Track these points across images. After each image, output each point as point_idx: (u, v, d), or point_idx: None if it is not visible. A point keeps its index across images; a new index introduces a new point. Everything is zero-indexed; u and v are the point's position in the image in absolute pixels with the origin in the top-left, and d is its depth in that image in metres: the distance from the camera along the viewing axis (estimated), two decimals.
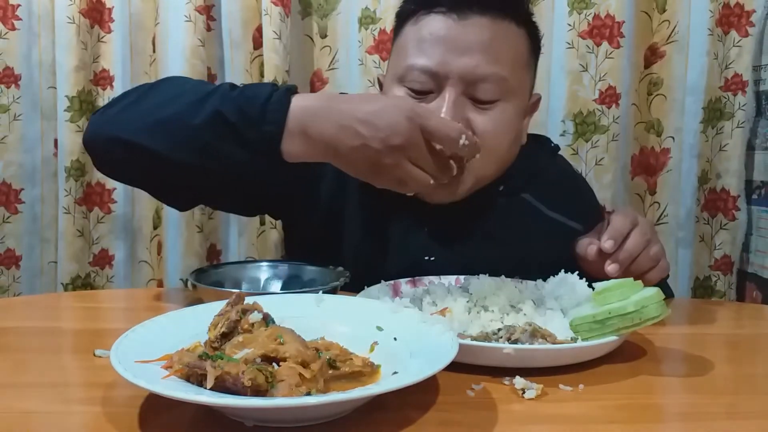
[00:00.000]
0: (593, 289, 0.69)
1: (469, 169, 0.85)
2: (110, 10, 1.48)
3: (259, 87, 0.76)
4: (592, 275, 0.78)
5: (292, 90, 0.75)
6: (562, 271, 0.78)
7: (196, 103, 0.75)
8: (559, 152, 1.08)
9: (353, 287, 0.82)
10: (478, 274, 0.82)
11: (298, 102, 0.73)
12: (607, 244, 0.80)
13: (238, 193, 0.91)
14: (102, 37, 1.50)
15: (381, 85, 0.99)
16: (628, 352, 0.69)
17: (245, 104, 0.73)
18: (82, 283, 1.51)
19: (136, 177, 0.88)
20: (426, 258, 0.93)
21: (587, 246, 0.84)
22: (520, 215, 0.98)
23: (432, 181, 0.74)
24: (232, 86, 0.78)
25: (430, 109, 0.83)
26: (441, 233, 0.95)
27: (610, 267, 0.80)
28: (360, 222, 0.97)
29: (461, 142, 0.72)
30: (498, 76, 0.86)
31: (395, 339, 0.60)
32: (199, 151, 0.75)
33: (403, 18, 0.92)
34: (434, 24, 0.86)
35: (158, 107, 0.78)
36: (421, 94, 0.87)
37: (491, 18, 0.86)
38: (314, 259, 0.92)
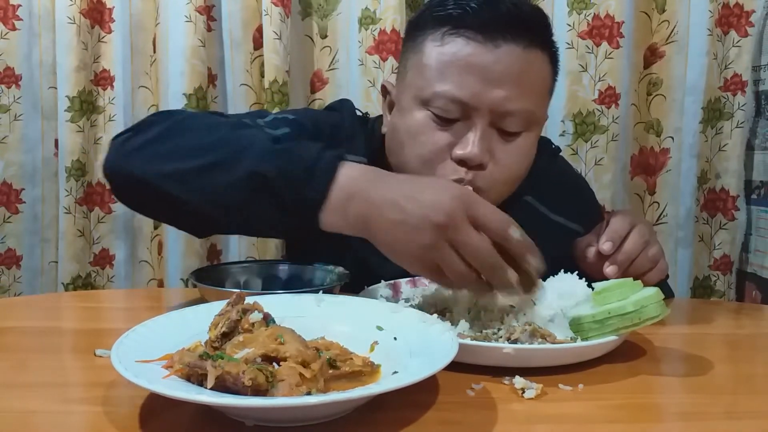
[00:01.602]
0: (593, 289, 0.69)
1: (486, 194, 0.81)
2: (111, 10, 1.48)
3: (305, 147, 0.71)
4: (592, 276, 0.78)
5: (341, 156, 0.70)
6: (562, 271, 0.78)
7: (232, 156, 0.71)
8: (560, 154, 1.08)
9: (355, 290, 0.82)
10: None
11: (345, 171, 0.68)
12: (605, 245, 0.81)
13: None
14: (102, 38, 1.50)
15: (385, 91, 0.95)
16: (628, 352, 0.69)
17: (288, 165, 0.69)
18: (82, 283, 1.51)
19: (157, 214, 0.91)
20: None
21: (586, 247, 0.84)
22: (523, 217, 0.97)
23: (474, 276, 0.64)
24: (274, 139, 0.74)
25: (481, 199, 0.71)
26: None
27: (609, 269, 0.80)
28: None
29: (511, 233, 0.64)
30: (527, 110, 0.83)
31: (395, 339, 0.60)
32: (228, 207, 0.73)
33: (420, 29, 0.86)
34: (464, 49, 0.81)
35: (189, 153, 0.73)
36: (445, 121, 0.83)
37: (523, 47, 0.82)
38: (324, 255, 0.91)
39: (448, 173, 0.83)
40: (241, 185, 0.70)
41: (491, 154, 0.83)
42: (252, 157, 0.70)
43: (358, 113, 1.03)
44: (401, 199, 0.65)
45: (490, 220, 0.64)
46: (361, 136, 0.96)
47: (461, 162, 0.82)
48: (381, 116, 1.02)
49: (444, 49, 0.83)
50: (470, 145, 0.81)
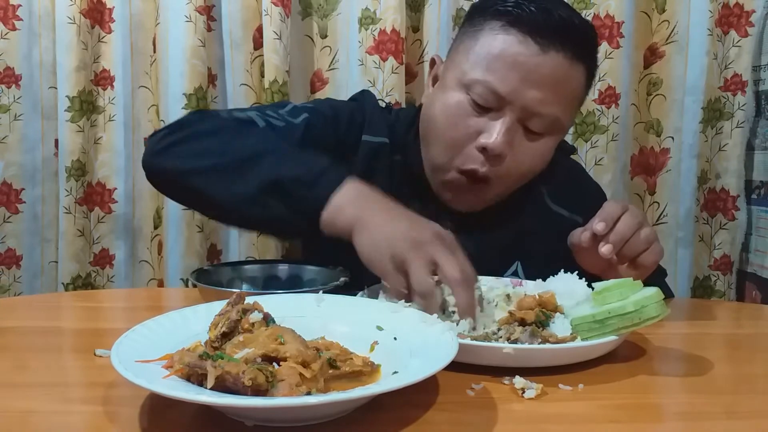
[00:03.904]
0: (593, 288, 0.69)
1: (493, 186, 0.90)
2: (111, 10, 1.48)
3: (319, 156, 0.81)
4: (588, 268, 0.78)
5: (345, 171, 0.79)
6: (562, 270, 0.78)
7: (255, 157, 0.80)
8: (572, 155, 1.12)
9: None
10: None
11: (349, 182, 0.77)
12: (598, 226, 0.81)
13: None
14: (102, 38, 1.50)
15: (432, 63, 0.99)
16: (628, 352, 0.69)
17: (303, 169, 0.78)
18: (82, 283, 1.51)
19: (188, 204, 0.96)
20: None
21: (580, 234, 0.85)
22: (534, 206, 1.01)
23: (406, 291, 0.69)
24: (292, 150, 0.82)
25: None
26: (464, 232, 0.95)
27: (604, 248, 0.81)
28: None
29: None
30: (555, 116, 0.88)
31: (395, 338, 0.60)
32: (247, 200, 0.79)
33: (480, 16, 0.90)
34: (514, 47, 0.85)
35: (221, 152, 0.82)
36: (480, 108, 0.88)
37: (568, 57, 0.86)
38: (338, 255, 0.91)
39: (467, 159, 0.89)
40: (260, 187, 0.78)
41: (511, 147, 0.87)
42: (271, 157, 0.80)
43: (382, 104, 1.06)
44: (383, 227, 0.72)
45: (449, 271, 0.67)
46: (382, 121, 1.00)
47: (483, 150, 0.87)
48: (404, 108, 1.09)
49: (496, 42, 0.87)
50: (495, 135, 0.86)
